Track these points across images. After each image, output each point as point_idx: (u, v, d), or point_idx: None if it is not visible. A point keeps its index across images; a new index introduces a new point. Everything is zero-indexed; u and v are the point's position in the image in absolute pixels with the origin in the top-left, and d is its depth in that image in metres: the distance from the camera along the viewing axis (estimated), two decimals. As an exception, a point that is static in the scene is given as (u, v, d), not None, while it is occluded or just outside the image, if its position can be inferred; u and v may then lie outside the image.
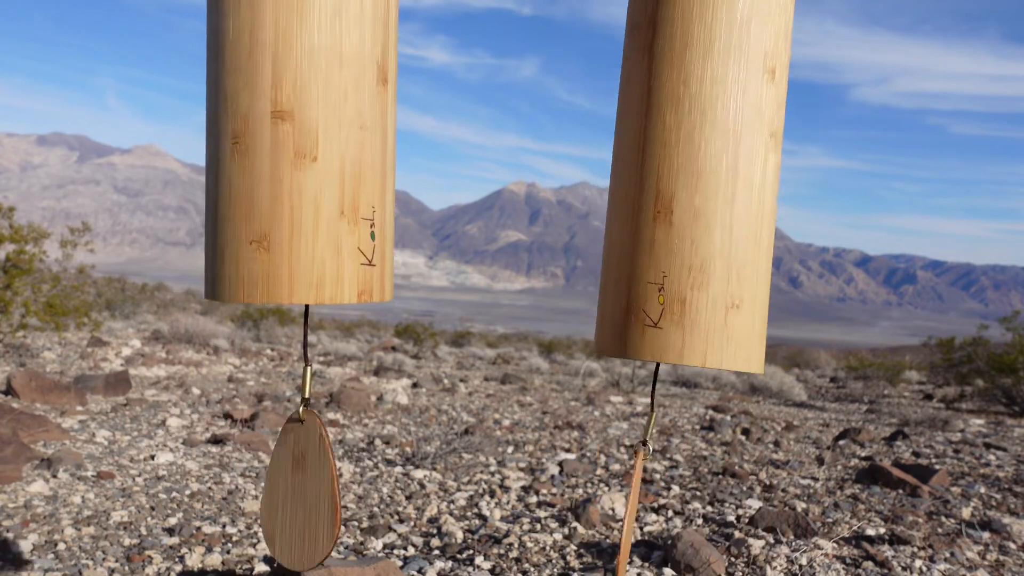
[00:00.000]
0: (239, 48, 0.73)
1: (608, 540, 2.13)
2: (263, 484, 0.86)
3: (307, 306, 0.81)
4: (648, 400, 5.75)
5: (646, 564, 1.91)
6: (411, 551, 2.01)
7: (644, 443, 0.97)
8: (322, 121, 0.73)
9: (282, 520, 0.85)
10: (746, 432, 4.15)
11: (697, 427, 4.38)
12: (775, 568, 1.88)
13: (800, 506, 2.54)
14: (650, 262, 0.83)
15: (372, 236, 0.78)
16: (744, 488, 2.81)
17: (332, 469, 0.85)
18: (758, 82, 0.83)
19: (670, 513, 2.44)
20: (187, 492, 2.43)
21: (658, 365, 0.94)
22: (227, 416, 3.64)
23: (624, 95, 0.87)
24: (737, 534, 2.17)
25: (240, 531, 2.10)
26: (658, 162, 0.83)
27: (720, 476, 3.00)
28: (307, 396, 0.85)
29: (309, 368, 0.86)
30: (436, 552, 2.01)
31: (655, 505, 2.53)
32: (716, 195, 0.82)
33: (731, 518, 2.37)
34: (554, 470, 2.98)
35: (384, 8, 0.78)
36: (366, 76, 0.76)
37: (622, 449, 3.51)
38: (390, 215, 0.82)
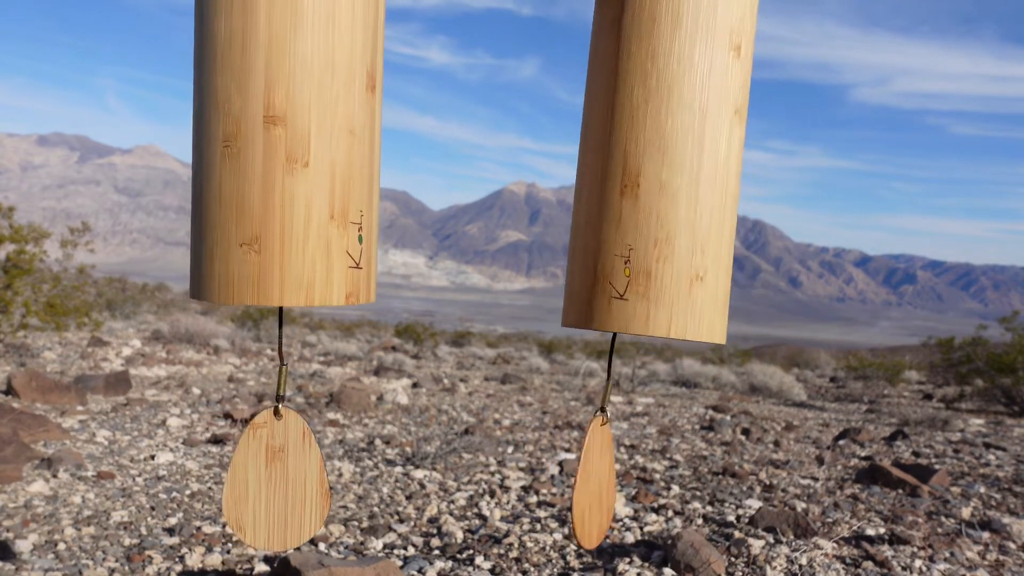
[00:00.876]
0: (231, 51, 0.73)
1: (608, 540, 2.13)
2: (227, 481, 0.86)
3: (281, 308, 0.82)
4: (647, 400, 5.75)
5: (646, 564, 1.91)
6: (411, 551, 2.01)
7: (602, 409, 0.99)
8: (314, 127, 0.74)
9: (254, 507, 0.85)
10: (746, 432, 4.15)
11: (697, 427, 4.38)
12: (775, 568, 1.88)
13: (800, 506, 2.54)
14: (617, 235, 0.85)
15: (360, 239, 0.79)
16: (744, 488, 2.81)
17: (318, 453, 0.86)
18: (724, 58, 0.84)
19: (670, 513, 2.44)
20: (187, 492, 2.43)
21: (615, 336, 0.95)
22: (227, 416, 3.64)
23: (593, 70, 0.88)
24: (737, 534, 2.17)
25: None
26: (625, 136, 0.84)
27: (720, 476, 3.00)
28: (282, 393, 0.86)
29: (285, 367, 0.87)
30: (436, 552, 2.01)
31: (655, 505, 2.53)
32: (682, 170, 0.84)
33: (731, 518, 2.37)
34: (554, 470, 2.98)
35: (373, 15, 0.79)
36: (356, 83, 0.77)
37: (622, 449, 3.51)
38: (375, 218, 0.84)
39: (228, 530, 2.10)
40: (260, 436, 0.85)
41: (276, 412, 0.85)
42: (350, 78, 0.76)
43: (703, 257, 0.85)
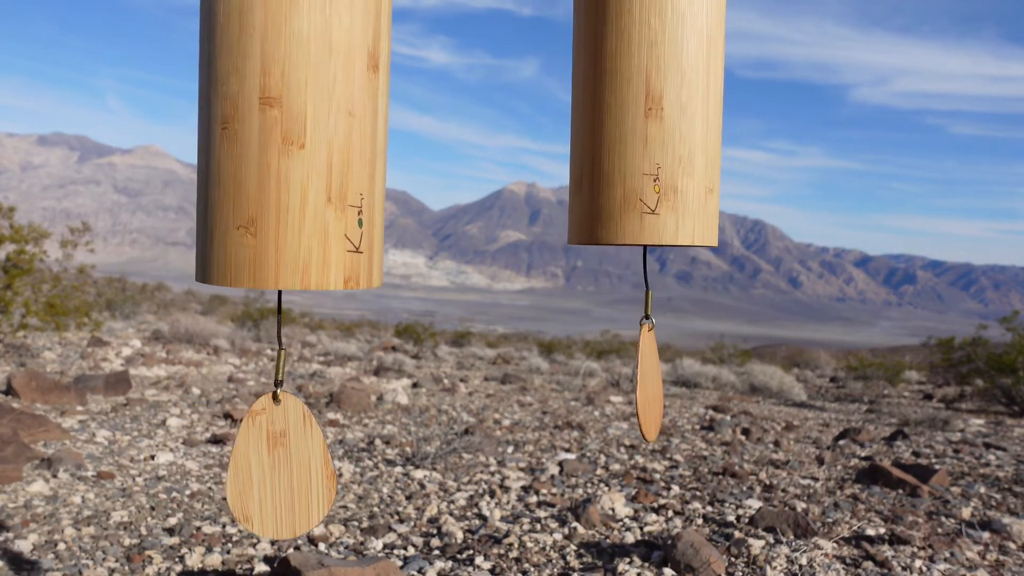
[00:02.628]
0: (229, 31, 0.73)
1: (608, 540, 2.13)
2: (229, 469, 0.85)
3: (280, 292, 0.82)
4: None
5: (646, 564, 1.91)
6: (411, 551, 2.01)
7: (647, 316, 1.07)
8: (310, 108, 0.74)
9: (260, 496, 0.85)
10: (746, 432, 4.15)
11: (697, 427, 4.38)
12: (775, 568, 1.88)
13: (800, 506, 2.54)
14: (645, 155, 0.93)
15: (360, 223, 0.78)
16: (744, 488, 2.81)
17: (320, 436, 0.86)
18: None
19: (670, 513, 2.44)
20: (187, 492, 2.43)
21: (646, 249, 1.07)
22: (227, 416, 3.64)
23: (604, 4, 0.95)
24: (737, 534, 2.17)
25: (240, 531, 2.10)
26: (647, 62, 0.93)
27: (720, 476, 3.00)
28: (280, 378, 0.86)
29: (284, 351, 0.87)
30: (436, 552, 2.01)
31: (655, 505, 2.53)
32: (697, 91, 0.93)
33: (731, 518, 2.37)
34: (554, 470, 2.98)
35: None
36: (356, 62, 0.77)
37: (622, 449, 3.51)
38: (379, 203, 0.83)
39: (228, 530, 2.10)
40: (260, 423, 0.85)
41: (275, 397, 0.85)
42: (349, 58, 0.76)
43: (713, 171, 0.96)
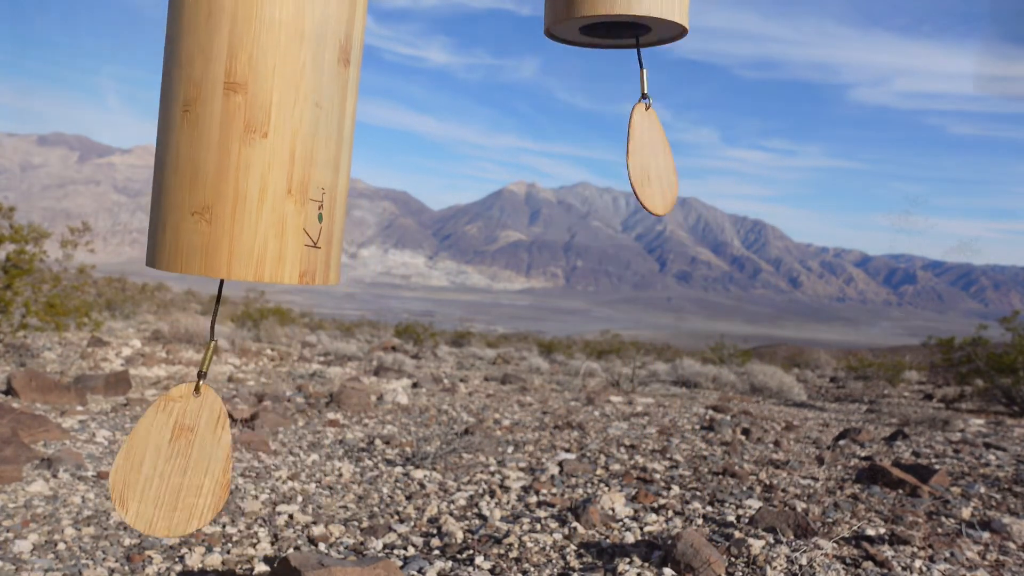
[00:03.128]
0: (198, 11, 0.72)
1: (608, 540, 2.13)
2: (123, 447, 0.83)
3: (221, 282, 0.80)
4: (647, 400, 5.75)
5: (646, 564, 1.91)
6: (411, 551, 2.01)
7: (644, 96, 1.04)
8: (276, 96, 0.72)
9: (144, 484, 0.82)
10: (746, 432, 4.15)
11: (697, 427, 4.38)
12: (775, 568, 1.88)
13: (800, 506, 2.54)
14: None
15: (320, 218, 0.77)
16: (744, 488, 2.81)
17: (228, 442, 0.83)
18: None
19: (670, 513, 2.44)
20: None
21: (639, 46, 1.07)
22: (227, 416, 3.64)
23: None
24: (737, 534, 2.17)
25: (240, 531, 2.10)
26: None
27: (720, 476, 3.00)
28: (204, 371, 0.83)
29: (214, 343, 0.84)
30: (436, 552, 2.01)
31: (655, 505, 2.53)
32: None
33: (731, 518, 2.37)
34: (554, 470, 2.98)
35: None
36: (327, 54, 0.75)
37: (622, 449, 3.51)
38: (342, 199, 0.81)
39: (228, 530, 2.10)
40: (171, 409, 0.82)
41: (196, 389, 0.83)
42: (320, 48, 0.74)
43: None
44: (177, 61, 0.73)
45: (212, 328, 0.85)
